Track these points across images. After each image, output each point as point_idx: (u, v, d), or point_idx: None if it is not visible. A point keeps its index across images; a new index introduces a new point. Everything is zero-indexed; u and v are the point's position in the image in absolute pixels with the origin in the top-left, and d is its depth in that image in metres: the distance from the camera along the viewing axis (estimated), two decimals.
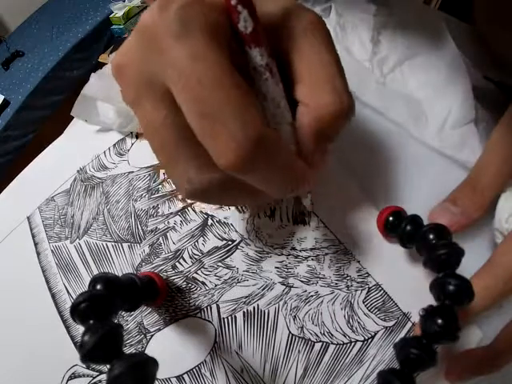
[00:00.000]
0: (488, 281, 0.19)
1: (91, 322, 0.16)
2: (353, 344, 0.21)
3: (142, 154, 0.29)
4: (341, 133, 0.16)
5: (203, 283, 0.23)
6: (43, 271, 0.27)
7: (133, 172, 0.28)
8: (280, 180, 0.15)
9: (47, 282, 0.26)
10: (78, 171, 0.30)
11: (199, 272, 0.24)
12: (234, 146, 0.13)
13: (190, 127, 0.13)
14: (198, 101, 0.13)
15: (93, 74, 0.30)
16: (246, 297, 0.23)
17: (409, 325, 0.21)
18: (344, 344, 0.21)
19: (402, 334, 0.21)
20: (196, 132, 0.13)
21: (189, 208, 0.26)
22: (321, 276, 0.22)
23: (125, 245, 0.26)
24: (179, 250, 0.25)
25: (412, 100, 0.26)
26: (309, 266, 0.23)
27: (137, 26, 0.14)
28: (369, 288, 0.22)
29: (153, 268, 0.25)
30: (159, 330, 0.23)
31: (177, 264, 0.24)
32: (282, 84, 0.16)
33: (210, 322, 0.22)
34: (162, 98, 0.14)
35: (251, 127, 0.13)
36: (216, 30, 0.13)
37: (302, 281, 0.22)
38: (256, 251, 0.24)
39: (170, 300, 0.23)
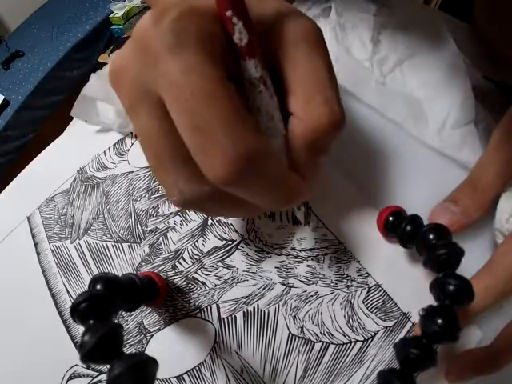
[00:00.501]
0: (488, 281, 0.19)
1: (91, 321, 0.16)
2: (353, 344, 0.21)
3: (142, 153, 0.29)
4: (333, 144, 0.16)
5: (203, 283, 0.23)
6: (43, 271, 0.27)
7: (133, 172, 0.28)
8: (272, 194, 0.15)
9: (47, 282, 0.26)
10: (78, 171, 0.30)
11: (199, 272, 0.24)
12: (223, 160, 0.13)
13: (181, 138, 0.13)
14: (190, 114, 0.13)
15: (93, 75, 0.30)
16: (246, 297, 0.23)
17: (409, 325, 0.21)
18: (344, 344, 0.21)
19: (402, 334, 0.21)
20: (187, 145, 0.13)
21: None
22: (321, 276, 0.22)
23: (125, 245, 0.26)
24: (179, 249, 0.25)
25: (412, 100, 0.26)
26: (309, 266, 0.23)
27: (132, 35, 0.14)
28: (369, 288, 0.22)
29: (153, 268, 0.25)
30: (159, 329, 0.23)
31: (177, 264, 0.24)
32: (276, 96, 0.15)
33: (210, 322, 0.22)
34: (156, 107, 0.14)
35: (242, 143, 0.13)
36: (210, 42, 0.13)
37: (301, 281, 0.22)
38: (256, 251, 0.24)
39: (170, 300, 0.23)
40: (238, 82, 0.14)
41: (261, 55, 0.14)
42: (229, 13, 0.13)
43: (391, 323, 0.21)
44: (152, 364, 0.15)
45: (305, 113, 0.15)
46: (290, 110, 0.15)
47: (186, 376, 0.22)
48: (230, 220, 0.25)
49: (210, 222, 0.25)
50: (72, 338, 0.24)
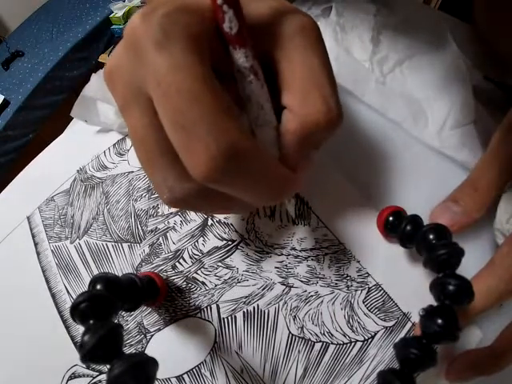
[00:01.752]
0: (489, 281, 0.19)
1: (91, 321, 0.16)
2: (353, 344, 0.21)
3: None
4: (332, 141, 0.16)
5: (203, 283, 0.23)
6: (43, 271, 0.27)
7: (133, 172, 0.28)
8: (260, 190, 0.15)
9: (47, 281, 0.26)
10: (77, 171, 0.30)
11: (199, 272, 0.24)
12: (206, 157, 0.12)
13: None
14: (175, 111, 0.13)
15: (93, 75, 0.30)
16: (246, 297, 0.23)
17: (409, 325, 0.21)
18: (344, 344, 0.21)
19: (402, 334, 0.21)
20: (172, 142, 0.13)
21: None
22: (321, 276, 0.22)
23: (125, 245, 0.26)
24: (179, 249, 0.25)
25: (412, 100, 0.26)
26: (309, 266, 0.23)
27: (124, 33, 0.14)
28: (369, 288, 0.22)
29: (153, 268, 0.25)
30: (159, 329, 0.23)
31: (177, 264, 0.24)
32: (266, 86, 0.15)
33: (209, 322, 0.22)
34: (146, 106, 0.14)
35: (225, 140, 0.12)
36: (198, 39, 0.13)
37: (301, 281, 0.22)
38: (256, 251, 0.24)
39: (170, 300, 0.23)
40: (227, 79, 0.14)
41: (252, 45, 0.14)
42: (219, 1, 0.13)
43: (391, 323, 0.21)
44: (152, 364, 0.15)
45: (300, 108, 0.15)
46: (285, 104, 0.15)
47: (185, 376, 0.22)
48: (230, 220, 0.25)
49: (209, 222, 0.25)
50: (72, 338, 0.24)
